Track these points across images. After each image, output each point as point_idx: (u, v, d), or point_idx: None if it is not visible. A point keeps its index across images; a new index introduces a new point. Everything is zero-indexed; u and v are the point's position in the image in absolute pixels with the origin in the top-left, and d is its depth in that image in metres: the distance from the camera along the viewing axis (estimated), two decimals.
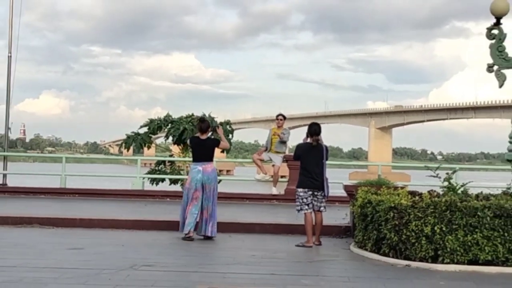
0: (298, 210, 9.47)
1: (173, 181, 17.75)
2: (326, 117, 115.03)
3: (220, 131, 10.38)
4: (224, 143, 10.14)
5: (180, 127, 17.60)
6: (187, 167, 18.16)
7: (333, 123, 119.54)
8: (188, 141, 10.31)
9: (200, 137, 9.77)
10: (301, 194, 9.42)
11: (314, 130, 9.51)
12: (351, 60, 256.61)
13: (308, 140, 9.56)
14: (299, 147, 9.61)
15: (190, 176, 9.73)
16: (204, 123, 9.84)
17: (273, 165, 15.32)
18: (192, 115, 18.14)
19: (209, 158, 9.75)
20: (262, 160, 15.39)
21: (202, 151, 9.70)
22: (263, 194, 15.93)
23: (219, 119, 18.34)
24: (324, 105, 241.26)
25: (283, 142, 15.13)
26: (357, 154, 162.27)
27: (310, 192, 9.41)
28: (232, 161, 57.69)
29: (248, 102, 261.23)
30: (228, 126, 18.31)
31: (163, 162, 18.52)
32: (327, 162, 9.53)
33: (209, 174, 9.63)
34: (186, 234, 9.46)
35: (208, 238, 9.54)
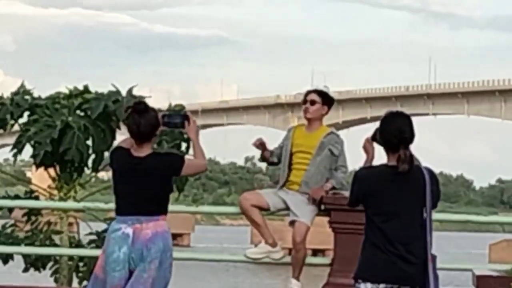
0: None
1: (34, 262, 15.97)
2: (430, 97, 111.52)
3: (192, 129, 10.27)
4: (197, 161, 10.32)
5: (55, 121, 15.76)
6: (73, 224, 16.57)
7: (444, 115, 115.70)
8: (109, 155, 11.11)
9: (133, 153, 9.48)
10: None
11: (398, 132, 8.52)
12: None
13: (375, 159, 8.99)
14: (361, 177, 8.85)
15: (104, 248, 9.71)
16: (146, 116, 9.63)
17: (291, 223, 13.18)
18: (85, 91, 15.95)
19: (155, 205, 9.51)
20: (264, 209, 13.21)
21: (138, 188, 9.39)
22: None
23: (155, 101, 16.61)
24: (428, 70, 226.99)
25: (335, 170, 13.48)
26: (509, 196, 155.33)
27: None
28: (188, 211, 53.16)
29: (231, 58, 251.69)
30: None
31: (9, 210, 16.52)
32: (435, 214, 9.54)
33: (151, 244, 9.28)
34: None
35: None
